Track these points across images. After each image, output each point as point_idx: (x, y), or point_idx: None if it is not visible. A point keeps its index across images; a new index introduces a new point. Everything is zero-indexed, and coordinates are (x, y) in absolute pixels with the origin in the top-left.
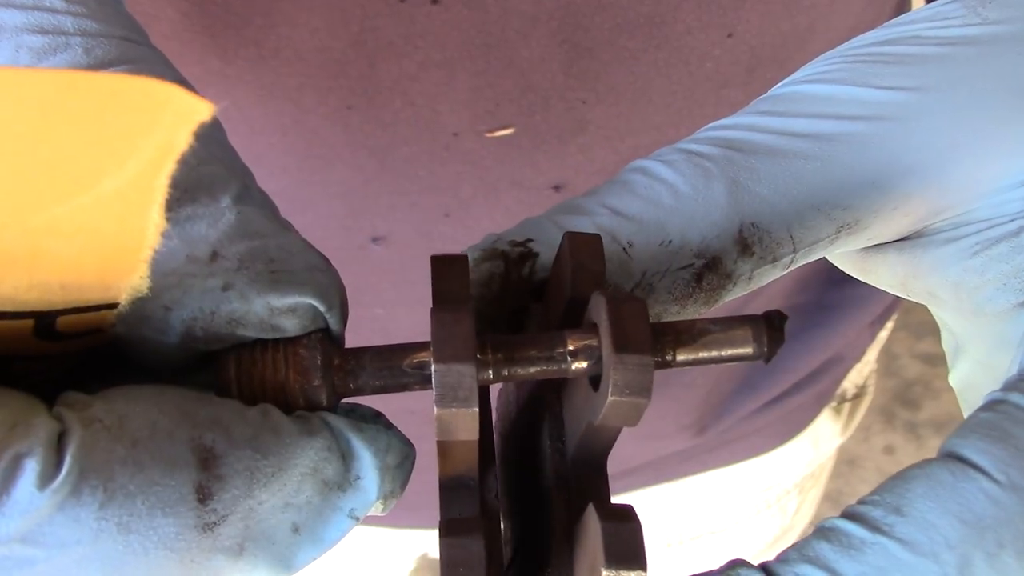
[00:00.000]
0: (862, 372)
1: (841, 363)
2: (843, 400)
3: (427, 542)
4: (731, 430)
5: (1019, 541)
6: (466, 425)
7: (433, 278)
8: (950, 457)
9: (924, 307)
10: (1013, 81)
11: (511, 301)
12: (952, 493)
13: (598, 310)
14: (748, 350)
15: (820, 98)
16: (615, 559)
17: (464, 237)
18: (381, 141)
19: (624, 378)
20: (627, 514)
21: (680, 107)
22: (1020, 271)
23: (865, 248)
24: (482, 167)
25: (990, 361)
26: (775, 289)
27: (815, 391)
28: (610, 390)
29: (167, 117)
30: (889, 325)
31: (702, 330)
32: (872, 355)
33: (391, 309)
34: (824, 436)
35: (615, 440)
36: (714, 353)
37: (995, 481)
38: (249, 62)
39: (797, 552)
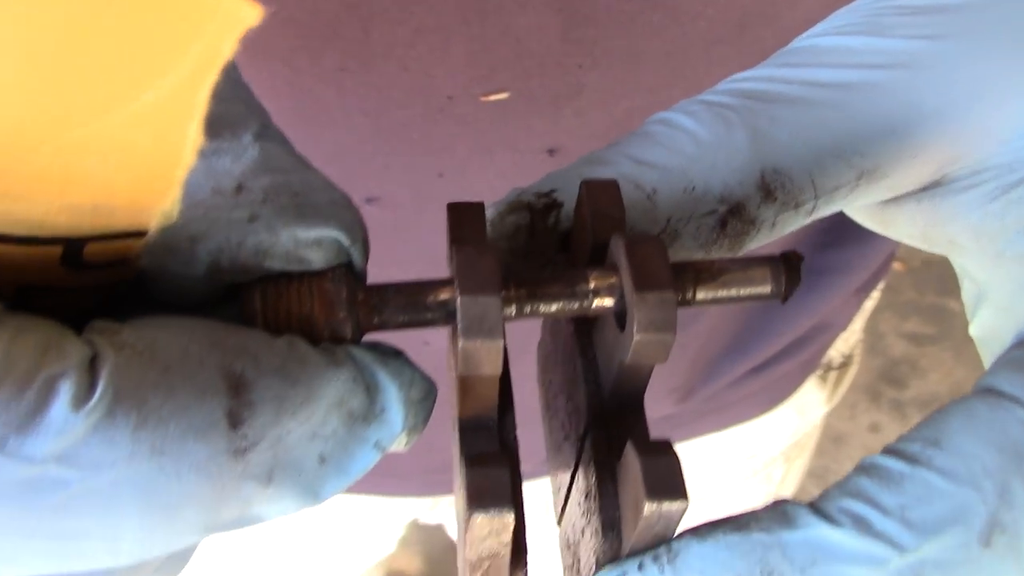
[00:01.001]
0: (848, 341)
1: (827, 331)
2: (829, 368)
3: (417, 509)
4: (717, 396)
5: None
6: (491, 358)
7: (450, 224)
8: (986, 391)
9: (911, 287)
10: None
11: (538, 252)
12: (988, 423)
13: (618, 252)
14: (766, 289)
15: (839, 49)
16: (656, 491)
17: (458, 198)
18: (375, 104)
19: (648, 316)
20: (665, 448)
21: (673, 67)
22: None
23: (884, 201)
24: (476, 129)
25: (1012, 306)
26: (764, 253)
27: (801, 359)
28: (635, 328)
29: (213, 23)
30: (875, 295)
31: (721, 269)
32: (858, 324)
33: (385, 268)
34: (809, 404)
35: (648, 378)
36: (733, 292)
37: None
38: None
39: (838, 488)
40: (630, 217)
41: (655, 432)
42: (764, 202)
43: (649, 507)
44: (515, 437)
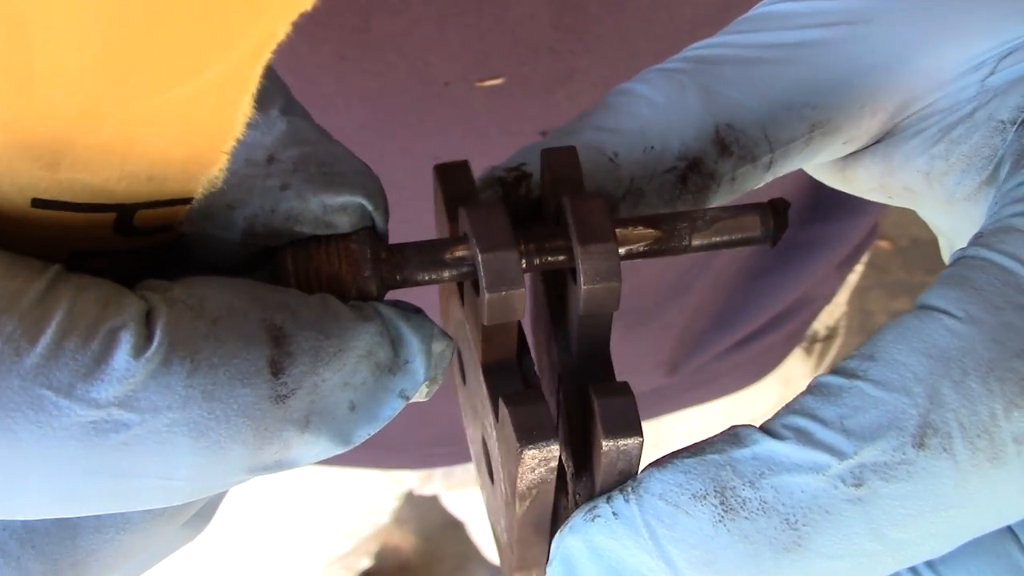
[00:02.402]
0: (833, 314)
1: (811, 304)
2: (814, 341)
3: (412, 481)
4: (704, 369)
5: (981, 367)
6: (516, 306)
7: (440, 183)
8: (918, 308)
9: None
10: None
11: (513, 221)
12: (918, 334)
13: (565, 211)
14: (756, 233)
15: (786, 14)
16: (611, 430)
17: None
18: (373, 90)
19: (593, 267)
20: (621, 389)
21: (660, 50)
22: (978, 148)
23: (843, 158)
24: (472, 114)
25: None
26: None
27: (786, 331)
28: (582, 280)
29: (271, 7)
30: (859, 268)
31: (715, 217)
32: (842, 297)
33: None
34: (795, 376)
35: (608, 327)
36: (726, 237)
37: (956, 318)
38: None
39: (785, 408)
40: (596, 180)
41: (643, 404)
42: (721, 157)
43: (607, 444)
44: (535, 373)
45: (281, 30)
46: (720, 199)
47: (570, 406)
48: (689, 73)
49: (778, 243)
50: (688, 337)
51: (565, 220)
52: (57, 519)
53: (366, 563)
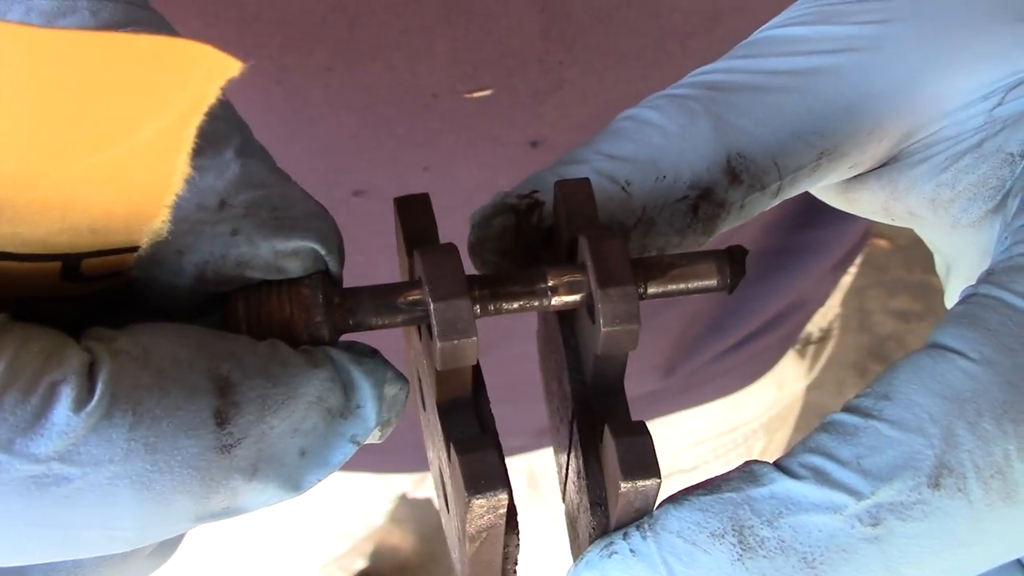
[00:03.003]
0: (826, 316)
1: (805, 306)
2: (807, 343)
3: (405, 484)
4: (699, 371)
5: (996, 409)
6: (467, 354)
7: (401, 219)
8: (930, 346)
9: (898, 264)
10: (967, 6)
11: (524, 250)
12: (932, 374)
13: (583, 251)
14: (712, 282)
15: (794, 39)
16: (631, 472)
17: (442, 190)
18: (361, 101)
19: (612, 310)
20: (638, 428)
21: (650, 59)
22: (985, 179)
23: (848, 180)
24: (461, 125)
25: (974, 274)
26: (741, 234)
27: (780, 333)
28: (602, 322)
29: (199, 72)
30: (852, 271)
31: (670, 264)
32: (836, 300)
33: (371, 257)
34: (789, 377)
35: (624, 363)
36: (681, 285)
37: (970, 359)
38: (231, 23)
39: (801, 445)
40: (608, 209)
41: (640, 407)
42: (732, 185)
43: (625, 486)
44: (490, 411)
45: (211, 94)
46: (728, 226)
47: (585, 439)
48: (699, 100)
49: (736, 287)
50: (683, 340)
51: (583, 259)
52: (5, 567)
53: (361, 564)
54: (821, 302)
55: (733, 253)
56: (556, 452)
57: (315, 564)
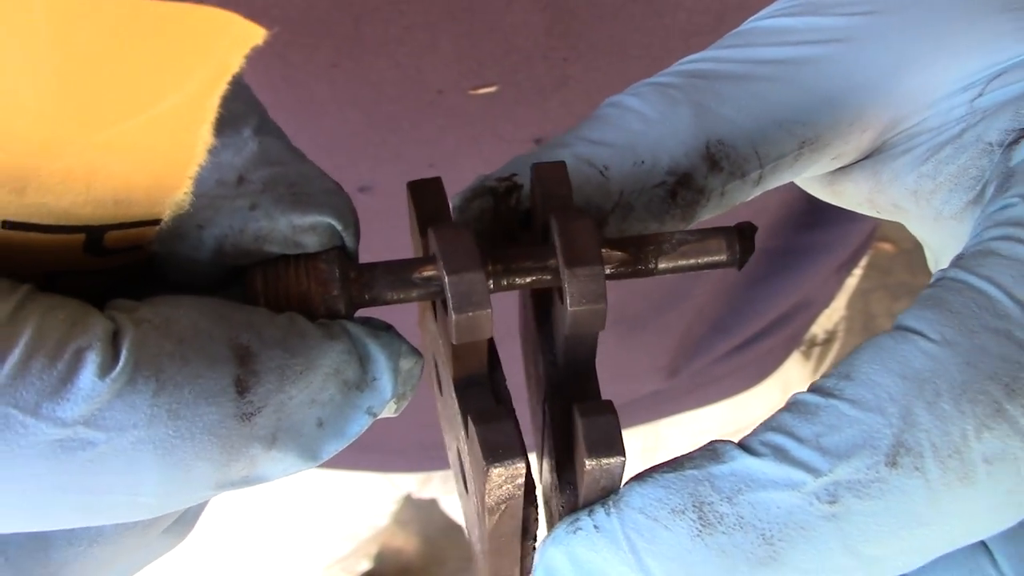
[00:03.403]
0: (831, 318)
1: (809, 308)
2: (812, 344)
3: (411, 484)
4: (703, 373)
5: (955, 389)
6: (483, 326)
7: (413, 202)
8: (894, 328)
9: (902, 268)
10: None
11: (502, 231)
12: (893, 354)
13: (553, 231)
14: (722, 257)
15: (779, 30)
16: (595, 449)
17: (447, 187)
18: (366, 97)
19: (579, 289)
20: (604, 407)
21: (654, 57)
22: (965, 169)
23: (833, 172)
24: (465, 121)
25: None
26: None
27: (784, 335)
28: (568, 302)
29: (224, 41)
30: (857, 272)
31: (681, 240)
32: (841, 302)
33: (377, 253)
34: (793, 379)
35: (595, 345)
36: (692, 261)
37: (931, 340)
38: None
39: (764, 425)
40: (586, 192)
41: (644, 408)
42: (711, 172)
43: (590, 463)
44: (506, 388)
45: (235, 63)
46: (709, 213)
47: (555, 420)
48: (681, 88)
49: (745, 263)
50: (688, 341)
51: (553, 240)
52: (30, 532)
53: (366, 565)
54: (826, 304)
55: (743, 230)
56: (535, 433)
57: (319, 565)
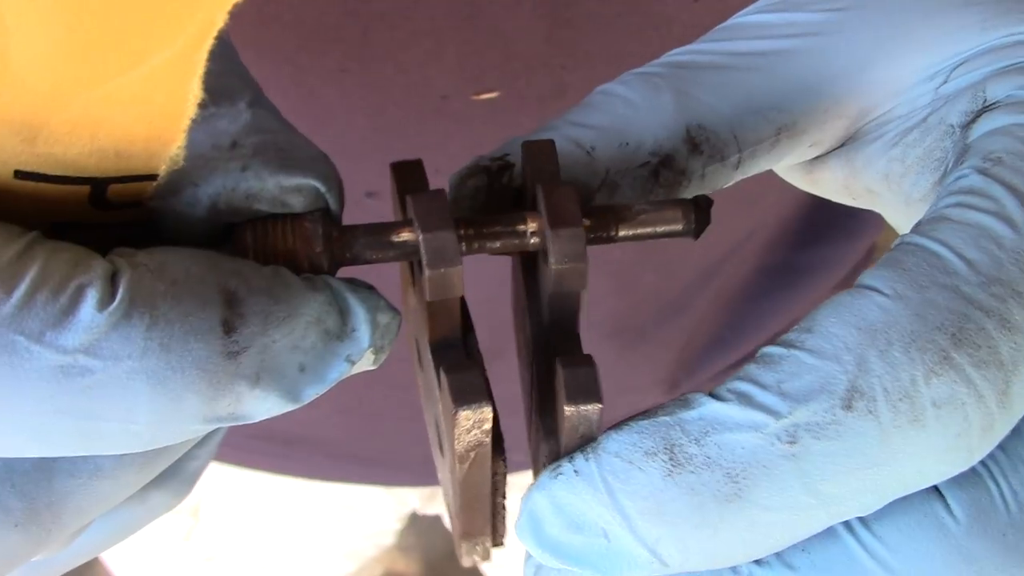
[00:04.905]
0: None
1: None
2: None
3: (414, 500)
4: (703, 386)
5: (905, 338)
6: (454, 282)
7: (396, 179)
8: (854, 287)
9: None
10: None
11: (495, 207)
12: (850, 308)
13: (539, 198)
14: (678, 227)
15: (760, 25)
16: (574, 396)
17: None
18: (374, 102)
19: (561, 248)
20: (585, 360)
21: None
22: (930, 152)
23: (810, 161)
24: (469, 126)
25: None
26: (747, 251)
27: None
28: (551, 260)
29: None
30: None
31: (639, 210)
32: None
33: None
34: None
35: (579, 306)
36: (650, 229)
37: (884, 295)
38: (249, 24)
39: (732, 376)
40: (573, 171)
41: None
42: (691, 154)
43: (569, 410)
44: (478, 349)
45: (219, 19)
46: (690, 193)
47: (541, 378)
48: (665, 77)
49: (700, 236)
50: (687, 355)
51: (539, 207)
52: (35, 462)
53: None
54: None
55: (699, 202)
56: (524, 397)
57: None
